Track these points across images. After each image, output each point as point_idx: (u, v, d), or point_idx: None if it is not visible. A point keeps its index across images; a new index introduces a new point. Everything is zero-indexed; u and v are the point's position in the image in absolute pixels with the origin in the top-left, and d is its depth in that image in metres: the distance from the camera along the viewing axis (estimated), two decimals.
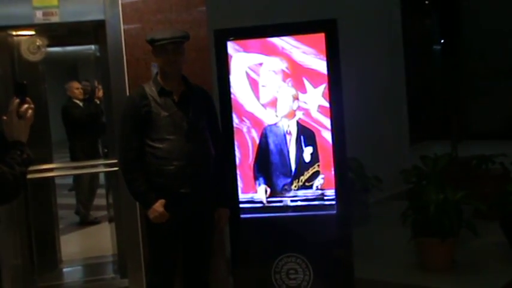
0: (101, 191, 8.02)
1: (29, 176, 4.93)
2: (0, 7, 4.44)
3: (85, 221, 7.92)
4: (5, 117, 2.69)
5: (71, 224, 7.89)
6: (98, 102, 7.34)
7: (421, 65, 9.43)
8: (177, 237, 3.93)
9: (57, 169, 5.67)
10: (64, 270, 5.94)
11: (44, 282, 5.49)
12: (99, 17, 4.59)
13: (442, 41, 10.46)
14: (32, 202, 5.42)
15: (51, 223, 5.97)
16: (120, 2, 4.55)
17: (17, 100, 2.68)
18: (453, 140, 8.21)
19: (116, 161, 4.64)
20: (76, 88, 7.75)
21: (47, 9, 4.48)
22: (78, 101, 7.74)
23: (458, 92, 8.32)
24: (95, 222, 7.90)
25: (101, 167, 5.62)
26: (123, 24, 4.55)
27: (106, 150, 5.77)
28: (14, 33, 5.16)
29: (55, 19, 4.52)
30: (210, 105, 4.10)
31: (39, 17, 4.49)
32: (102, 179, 7.85)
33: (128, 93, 4.46)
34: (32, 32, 5.13)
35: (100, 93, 6.85)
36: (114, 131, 4.64)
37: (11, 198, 2.65)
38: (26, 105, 2.68)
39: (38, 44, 5.07)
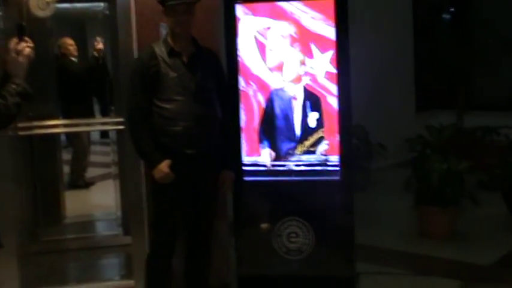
0: (98, 149, 8.04)
1: (35, 132, 5.02)
2: None
3: (76, 184, 7.74)
4: (8, 57, 2.97)
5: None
6: (97, 55, 7.20)
7: (429, 34, 9.36)
8: (181, 198, 3.97)
9: (63, 125, 5.70)
10: (68, 225, 6.01)
11: (48, 236, 5.57)
12: None
13: (452, 10, 10.36)
14: (37, 157, 5.48)
15: (56, 178, 6.03)
16: None
17: (15, 39, 2.96)
18: (459, 110, 8.21)
19: (122, 119, 4.67)
20: (70, 45, 7.43)
21: None
22: (73, 58, 7.52)
23: (465, 62, 8.29)
24: (87, 185, 7.81)
25: (107, 124, 5.64)
26: None
27: (113, 108, 5.79)
28: None
29: None
30: (218, 68, 4.11)
31: None
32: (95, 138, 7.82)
33: (136, 53, 4.47)
34: None
35: (99, 46, 6.73)
36: (121, 90, 4.65)
37: (3, 126, 2.94)
38: (23, 44, 2.95)
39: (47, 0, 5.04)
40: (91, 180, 7.79)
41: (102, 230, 6.01)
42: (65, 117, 6.92)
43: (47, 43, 5.86)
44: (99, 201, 7.21)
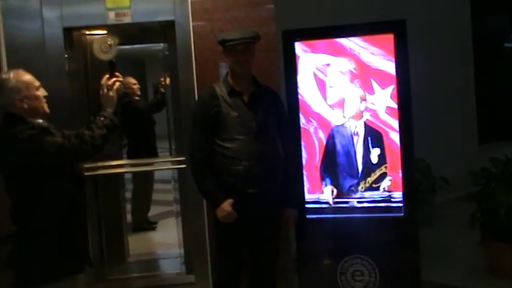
0: (159, 187, 8.06)
1: (100, 172, 5.11)
2: (75, 8, 4.58)
3: (141, 227, 7.57)
4: (100, 91, 3.38)
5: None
6: (163, 90, 7.18)
7: (490, 64, 9.21)
8: (244, 237, 3.96)
9: (126, 165, 5.78)
10: (131, 263, 6.06)
11: (113, 275, 5.62)
12: (169, 17, 4.67)
13: None
14: (102, 197, 5.55)
15: (120, 218, 6.10)
16: (189, 2, 4.61)
17: (106, 75, 3.37)
18: None
19: (183, 158, 4.72)
20: (133, 84, 7.27)
21: (119, 10, 4.60)
22: (136, 97, 7.32)
23: None
24: (151, 228, 7.80)
25: (168, 164, 5.69)
26: (192, 23, 4.61)
27: (174, 148, 5.85)
28: (87, 32, 5.30)
29: (127, 20, 4.63)
30: (279, 106, 4.11)
31: (111, 17, 4.62)
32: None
33: (196, 93, 4.53)
34: (104, 32, 5.25)
35: (167, 81, 6.73)
36: (182, 129, 4.71)
37: (89, 156, 3.27)
38: (113, 79, 3.37)
39: (109, 43, 5.17)
40: (153, 220, 7.79)
41: (166, 268, 6.01)
42: (129, 156, 6.99)
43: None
44: (161, 239, 7.24)
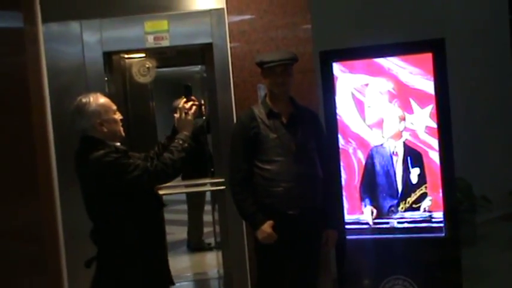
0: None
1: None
2: (115, 33, 4.66)
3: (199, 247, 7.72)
4: (175, 115, 3.50)
5: (177, 240, 7.99)
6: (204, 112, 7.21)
7: None
8: (285, 258, 3.95)
9: (165, 187, 5.80)
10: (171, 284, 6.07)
11: None
12: (206, 39, 4.71)
13: None
14: None
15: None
16: (227, 24, 4.66)
17: (183, 99, 3.51)
18: None
19: (222, 179, 4.73)
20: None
21: (157, 33, 4.65)
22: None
23: None
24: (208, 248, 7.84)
25: (207, 185, 5.71)
26: (230, 45, 4.65)
27: (212, 169, 5.86)
28: (126, 56, 5.38)
29: (165, 43, 4.69)
30: (318, 127, 4.11)
31: (150, 41, 4.67)
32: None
33: (234, 115, 4.56)
34: (142, 55, 5.32)
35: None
36: (221, 151, 4.73)
37: (170, 179, 3.34)
38: (190, 103, 3.50)
39: (147, 66, 5.24)
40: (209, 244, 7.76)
41: None
42: (182, 177, 7.06)
43: (148, 105, 6.06)
44: (201, 260, 7.26)
